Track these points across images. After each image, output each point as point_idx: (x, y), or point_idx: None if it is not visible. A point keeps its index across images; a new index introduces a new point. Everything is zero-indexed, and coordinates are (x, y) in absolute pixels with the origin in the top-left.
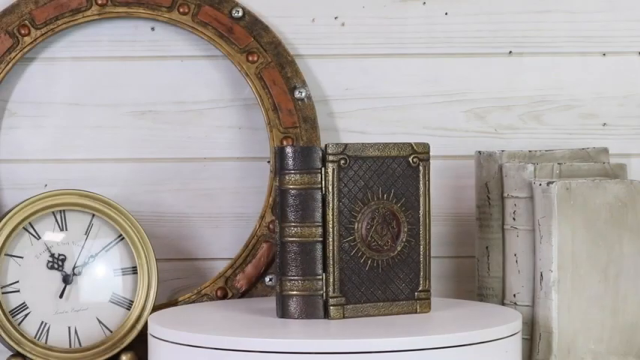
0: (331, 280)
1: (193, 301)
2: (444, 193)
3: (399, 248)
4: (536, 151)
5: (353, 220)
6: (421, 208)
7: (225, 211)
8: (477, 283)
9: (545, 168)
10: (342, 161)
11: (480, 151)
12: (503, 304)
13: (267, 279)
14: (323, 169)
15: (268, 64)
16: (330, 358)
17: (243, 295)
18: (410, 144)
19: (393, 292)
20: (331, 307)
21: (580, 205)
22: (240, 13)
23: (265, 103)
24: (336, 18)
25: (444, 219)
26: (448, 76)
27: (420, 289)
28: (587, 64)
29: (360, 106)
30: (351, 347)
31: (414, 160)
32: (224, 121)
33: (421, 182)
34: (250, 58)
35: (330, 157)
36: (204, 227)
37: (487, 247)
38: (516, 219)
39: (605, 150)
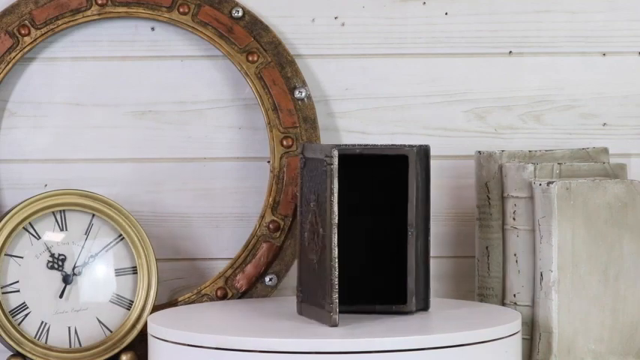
0: (296, 275)
1: (193, 301)
2: (444, 193)
3: (319, 253)
4: (536, 151)
5: (305, 220)
6: (327, 216)
7: (225, 211)
8: (477, 283)
9: (545, 168)
10: (301, 161)
11: (480, 151)
12: (503, 304)
13: (267, 279)
14: None
15: (268, 64)
16: (331, 357)
17: (243, 295)
18: (324, 147)
19: (316, 298)
20: (296, 302)
21: (580, 205)
22: (240, 13)
23: (265, 103)
24: (336, 18)
25: (444, 219)
26: (448, 76)
27: (326, 300)
28: (587, 64)
29: (360, 106)
30: (351, 347)
31: (324, 163)
32: (224, 121)
33: (327, 189)
34: (250, 58)
35: (299, 157)
36: (204, 227)
37: (487, 247)
38: (516, 219)
39: (605, 150)
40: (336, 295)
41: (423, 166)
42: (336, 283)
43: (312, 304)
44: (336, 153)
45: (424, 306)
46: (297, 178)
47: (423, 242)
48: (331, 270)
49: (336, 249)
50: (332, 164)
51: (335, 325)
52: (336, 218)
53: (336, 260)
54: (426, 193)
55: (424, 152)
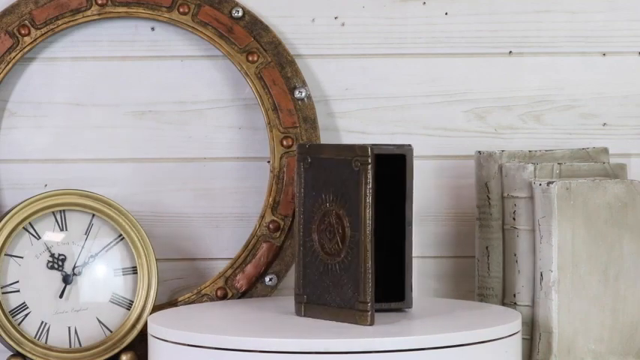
0: (295, 277)
1: (193, 301)
2: (444, 193)
3: (343, 254)
4: (536, 151)
5: (312, 221)
6: (361, 216)
7: (225, 211)
8: (477, 283)
9: (545, 168)
10: (305, 161)
11: (480, 151)
12: (503, 304)
13: (267, 279)
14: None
15: (268, 64)
16: (331, 357)
17: (243, 295)
18: (354, 146)
19: (341, 298)
20: (296, 304)
21: (580, 205)
22: (240, 13)
23: (265, 103)
24: (336, 18)
25: (444, 219)
26: (448, 76)
27: (359, 299)
28: (587, 64)
29: (360, 106)
30: (351, 347)
31: (356, 163)
32: (224, 121)
33: (362, 188)
34: (250, 58)
35: (298, 157)
36: (204, 227)
37: (487, 247)
38: (516, 219)
39: (605, 150)
40: (372, 295)
41: (411, 165)
42: (373, 282)
43: (326, 305)
44: (372, 152)
45: (410, 304)
46: (296, 178)
47: (411, 240)
48: (367, 269)
49: (373, 249)
50: (368, 164)
51: (372, 323)
52: (373, 218)
53: (373, 260)
54: (411, 192)
55: (411, 152)
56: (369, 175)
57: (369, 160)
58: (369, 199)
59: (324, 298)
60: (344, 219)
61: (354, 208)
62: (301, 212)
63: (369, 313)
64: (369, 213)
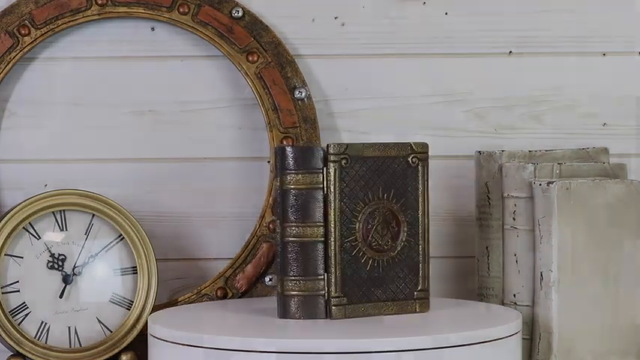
0: (333, 280)
1: (193, 301)
2: (444, 193)
3: (398, 248)
4: (536, 151)
5: (354, 220)
6: (420, 208)
7: (225, 211)
8: (477, 283)
9: (545, 168)
10: (344, 161)
11: (480, 151)
12: (503, 304)
13: (267, 279)
14: (325, 169)
15: (268, 64)
16: (330, 357)
17: (243, 295)
18: (409, 144)
19: (393, 291)
20: (333, 307)
21: (580, 205)
22: (240, 13)
23: (265, 103)
24: (336, 18)
25: (444, 219)
26: (448, 76)
27: (419, 288)
28: (587, 64)
29: (360, 106)
30: (351, 347)
31: (414, 159)
32: (224, 121)
33: (420, 182)
34: (250, 58)
35: (332, 157)
36: (204, 227)
37: (487, 247)
38: (516, 219)
39: (605, 150)
40: (429, 283)
41: None
42: (429, 270)
43: (372, 301)
44: (428, 147)
45: None
46: (330, 180)
47: None
48: (425, 260)
49: (429, 238)
50: (426, 159)
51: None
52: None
53: (429, 249)
54: None
55: None
56: (428, 170)
57: (427, 156)
58: (427, 192)
59: (371, 295)
60: (399, 214)
61: (411, 202)
62: (337, 215)
63: (428, 300)
64: (427, 205)
